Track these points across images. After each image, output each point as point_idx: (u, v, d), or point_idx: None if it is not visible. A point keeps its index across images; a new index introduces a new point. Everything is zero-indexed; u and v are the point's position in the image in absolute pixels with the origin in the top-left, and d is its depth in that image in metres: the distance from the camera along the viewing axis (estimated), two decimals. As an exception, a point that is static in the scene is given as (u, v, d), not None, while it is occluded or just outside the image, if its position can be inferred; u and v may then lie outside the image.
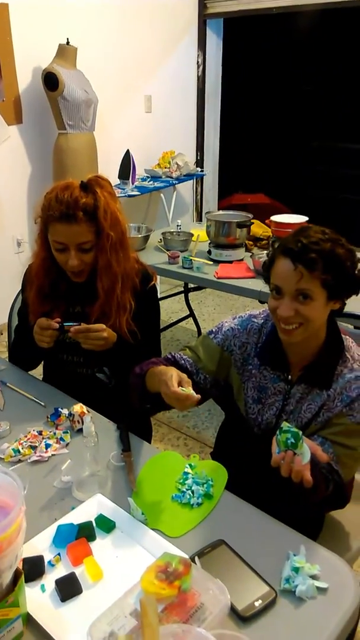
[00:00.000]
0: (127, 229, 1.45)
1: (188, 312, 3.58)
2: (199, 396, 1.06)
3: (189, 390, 1.06)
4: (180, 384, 1.07)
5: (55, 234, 1.37)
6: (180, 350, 1.35)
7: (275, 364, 1.23)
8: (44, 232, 1.40)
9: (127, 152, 3.63)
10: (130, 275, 1.46)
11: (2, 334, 3.38)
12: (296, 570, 0.94)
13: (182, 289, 3.59)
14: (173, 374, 1.09)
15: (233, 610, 0.88)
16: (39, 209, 1.39)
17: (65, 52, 3.18)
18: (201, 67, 4.51)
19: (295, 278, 1.07)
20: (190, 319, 3.59)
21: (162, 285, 4.05)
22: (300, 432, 0.99)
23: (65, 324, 1.38)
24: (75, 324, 1.38)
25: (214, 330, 1.33)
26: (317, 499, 1.10)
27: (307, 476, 0.98)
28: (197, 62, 4.48)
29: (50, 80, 3.09)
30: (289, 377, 1.22)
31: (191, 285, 3.47)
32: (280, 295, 1.12)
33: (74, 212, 1.32)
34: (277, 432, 1.00)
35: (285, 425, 1.00)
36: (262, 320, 1.28)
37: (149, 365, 1.25)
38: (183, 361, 1.31)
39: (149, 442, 1.50)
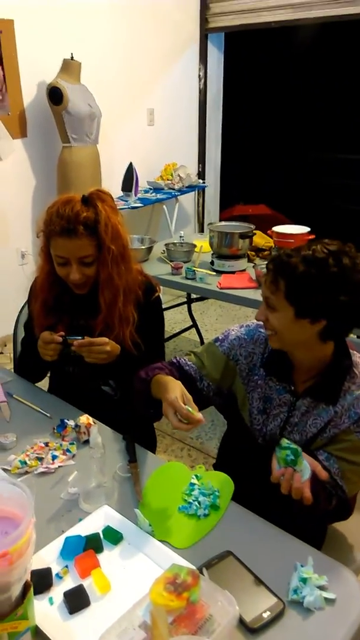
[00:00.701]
0: (129, 242, 1.46)
1: (191, 323, 3.59)
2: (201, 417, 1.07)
3: (196, 413, 1.05)
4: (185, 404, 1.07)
5: (56, 248, 1.38)
6: (185, 355, 1.36)
7: (280, 376, 1.23)
8: (47, 246, 1.42)
9: (130, 164, 3.66)
10: (133, 288, 1.47)
11: (6, 345, 3.39)
12: (304, 581, 0.94)
13: (185, 299, 3.60)
14: (177, 395, 1.08)
15: (241, 621, 0.88)
16: (41, 223, 1.40)
17: (70, 67, 3.22)
18: (203, 81, 4.56)
19: (265, 286, 1.13)
20: (193, 330, 3.60)
21: (164, 296, 4.03)
22: (300, 449, 0.99)
23: (68, 337, 1.39)
24: (78, 337, 1.39)
25: (220, 338, 1.33)
26: (318, 513, 1.10)
27: (307, 493, 0.98)
28: (199, 75, 4.54)
29: (55, 95, 3.13)
30: (294, 389, 1.22)
31: (194, 296, 3.49)
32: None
33: (74, 226, 1.33)
34: (276, 449, 1.01)
35: (284, 441, 1.00)
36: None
37: (155, 371, 1.26)
38: (187, 367, 1.31)
39: (154, 453, 1.50)
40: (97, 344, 1.38)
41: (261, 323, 1.31)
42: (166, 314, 1.74)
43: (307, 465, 0.99)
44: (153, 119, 4.20)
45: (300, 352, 1.18)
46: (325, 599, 0.92)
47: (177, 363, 1.33)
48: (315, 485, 1.01)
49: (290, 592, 0.93)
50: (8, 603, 0.80)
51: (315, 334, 1.11)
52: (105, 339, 1.39)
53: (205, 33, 4.40)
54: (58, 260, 1.40)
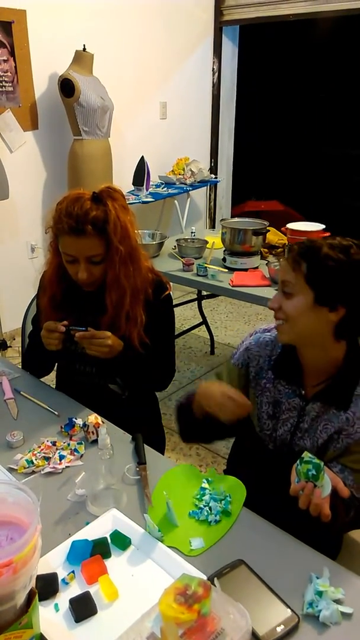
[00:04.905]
0: (139, 242, 1.43)
1: (201, 320, 3.55)
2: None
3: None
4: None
5: (65, 246, 1.36)
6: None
7: (289, 378, 1.20)
8: (56, 241, 1.39)
9: (142, 158, 3.62)
10: (142, 288, 1.44)
11: (14, 339, 3.37)
12: (320, 594, 0.90)
13: (195, 296, 3.56)
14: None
15: (254, 635, 0.84)
16: (49, 219, 1.37)
17: (82, 58, 3.18)
18: (216, 74, 4.50)
19: (284, 270, 1.11)
20: (203, 327, 3.55)
21: (174, 292, 4.02)
22: (322, 464, 0.94)
23: (71, 328, 1.37)
24: (81, 328, 1.36)
25: (234, 352, 1.33)
26: (335, 528, 1.06)
27: (326, 510, 0.93)
28: (213, 69, 4.48)
29: (67, 87, 3.09)
30: (304, 393, 1.18)
31: (204, 293, 3.44)
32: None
33: (83, 226, 1.30)
34: (298, 462, 0.96)
35: (306, 455, 0.95)
36: (275, 333, 1.24)
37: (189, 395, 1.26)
38: None
39: (162, 453, 1.47)
40: (98, 336, 1.36)
41: (267, 327, 1.30)
42: (176, 310, 1.70)
43: (328, 481, 0.94)
44: (165, 112, 4.15)
45: (311, 350, 1.14)
46: (342, 613, 0.88)
47: None
48: (333, 499, 0.96)
49: (306, 606, 0.89)
50: (12, 611, 0.77)
51: (330, 327, 1.08)
52: (108, 333, 1.37)
53: (220, 26, 4.33)
54: (67, 258, 1.38)
